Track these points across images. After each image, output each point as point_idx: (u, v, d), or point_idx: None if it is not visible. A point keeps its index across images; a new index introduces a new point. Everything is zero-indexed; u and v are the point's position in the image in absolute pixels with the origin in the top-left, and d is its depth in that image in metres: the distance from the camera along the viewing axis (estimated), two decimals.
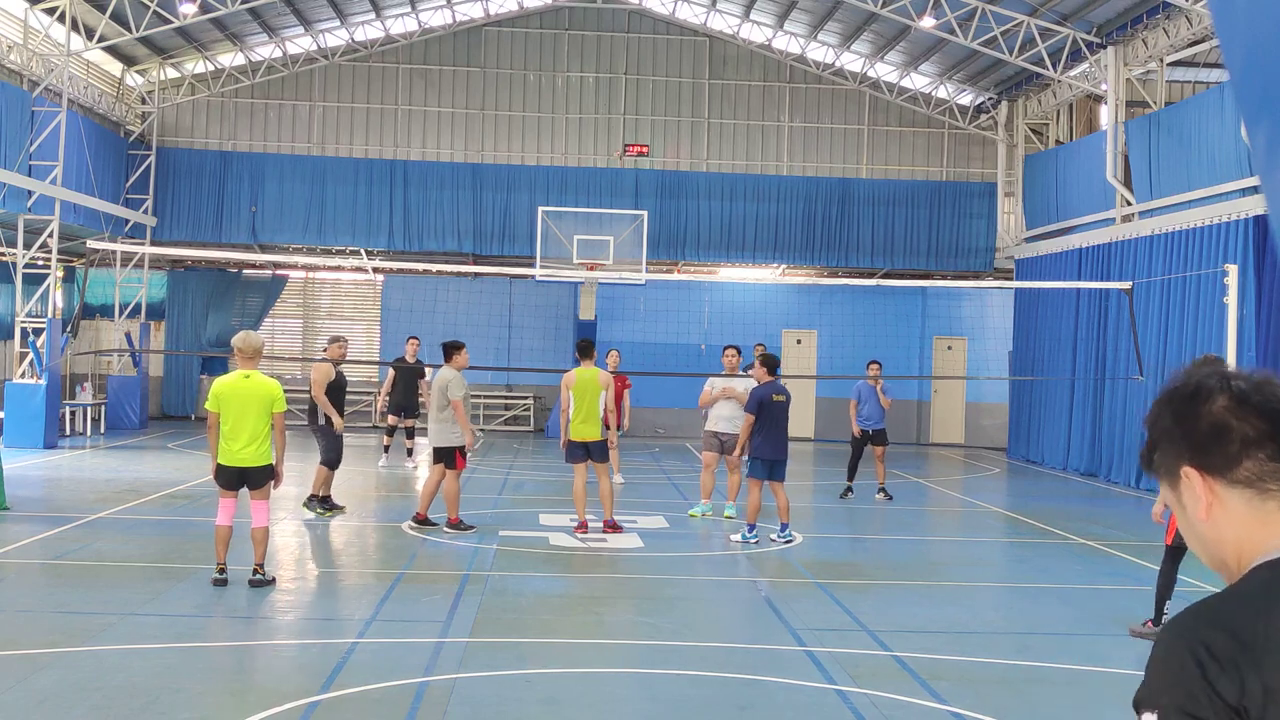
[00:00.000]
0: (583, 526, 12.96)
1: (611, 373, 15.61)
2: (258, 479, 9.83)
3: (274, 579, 9.98)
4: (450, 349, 13.27)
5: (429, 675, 7.35)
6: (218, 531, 9.85)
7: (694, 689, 7.38)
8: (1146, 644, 8.78)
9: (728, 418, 14.33)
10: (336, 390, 14.08)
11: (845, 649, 8.35)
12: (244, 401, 9.70)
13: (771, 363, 12.93)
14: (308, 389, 14.32)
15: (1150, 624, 8.98)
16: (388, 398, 19.18)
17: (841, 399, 18.10)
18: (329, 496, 14.00)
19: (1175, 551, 8.97)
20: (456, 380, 12.97)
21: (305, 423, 14.98)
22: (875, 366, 17.32)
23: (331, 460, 13.91)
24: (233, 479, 9.83)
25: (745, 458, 13.70)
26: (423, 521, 13.13)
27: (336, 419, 13.68)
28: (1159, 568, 9.12)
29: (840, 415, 19.30)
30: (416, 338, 19.67)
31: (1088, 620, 9.63)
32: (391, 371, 19.14)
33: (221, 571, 9.72)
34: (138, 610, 8.90)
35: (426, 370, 18.58)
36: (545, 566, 11.27)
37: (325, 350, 14.46)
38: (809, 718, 6.82)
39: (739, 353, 14.81)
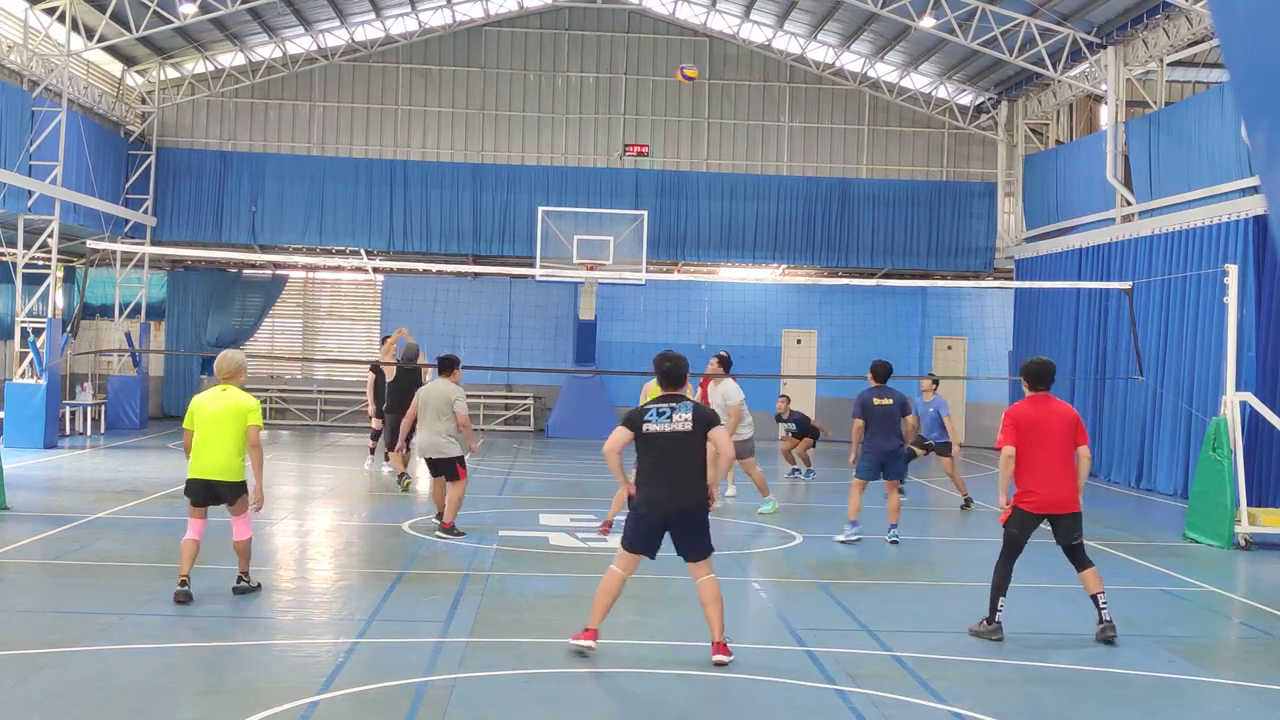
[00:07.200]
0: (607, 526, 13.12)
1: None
2: (229, 495, 9.44)
3: (259, 585, 9.65)
4: (453, 364, 13.29)
5: (429, 675, 7.35)
6: (184, 546, 9.34)
7: (694, 689, 7.38)
8: (1146, 645, 8.77)
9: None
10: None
11: (845, 649, 8.35)
12: (217, 415, 9.35)
13: (881, 370, 13.71)
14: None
15: (986, 622, 8.82)
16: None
17: (842, 399, 18.14)
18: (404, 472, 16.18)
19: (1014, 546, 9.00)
20: (462, 396, 13.01)
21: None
22: (928, 382, 17.87)
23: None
24: (201, 493, 9.40)
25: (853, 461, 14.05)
26: (450, 530, 12.97)
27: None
28: (997, 563, 9.04)
29: (841, 415, 19.24)
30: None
31: (1088, 620, 9.61)
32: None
33: (184, 584, 9.19)
34: (138, 610, 8.89)
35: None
36: (545, 566, 11.27)
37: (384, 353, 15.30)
38: (809, 718, 6.82)
39: (719, 362, 15.44)
